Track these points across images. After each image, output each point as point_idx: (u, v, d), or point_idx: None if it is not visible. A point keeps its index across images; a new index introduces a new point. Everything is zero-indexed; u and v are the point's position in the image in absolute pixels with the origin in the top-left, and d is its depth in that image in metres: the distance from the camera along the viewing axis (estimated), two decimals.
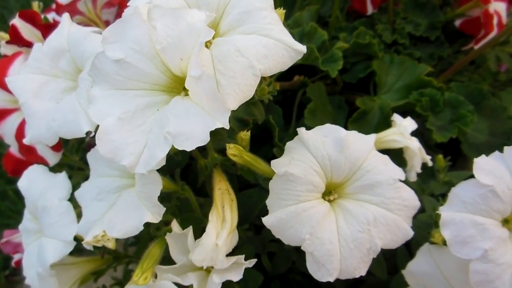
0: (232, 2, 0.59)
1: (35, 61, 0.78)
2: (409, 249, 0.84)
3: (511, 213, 0.62)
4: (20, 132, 0.84)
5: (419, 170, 0.81)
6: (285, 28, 1.05)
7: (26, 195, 0.79)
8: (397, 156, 0.86)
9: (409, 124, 0.81)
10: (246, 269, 0.67)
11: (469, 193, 0.61)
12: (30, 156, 0.85)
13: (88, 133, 0.69)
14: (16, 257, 0.95)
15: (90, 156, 0.75)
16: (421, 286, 0.68)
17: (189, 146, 0.50)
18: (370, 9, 1.24)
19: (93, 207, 0.70)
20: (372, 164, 0.66)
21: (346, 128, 1.06)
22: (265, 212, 0.64)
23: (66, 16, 0.79)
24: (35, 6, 1.30)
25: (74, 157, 1.00)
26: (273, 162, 0.65)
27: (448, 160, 0.92)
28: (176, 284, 0.67)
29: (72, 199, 0.76)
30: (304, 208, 0.63)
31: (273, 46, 0.55)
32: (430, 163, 0.84)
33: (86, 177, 0.77)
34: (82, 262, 0.84)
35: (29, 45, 0.91)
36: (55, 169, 0.91)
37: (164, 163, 0.54)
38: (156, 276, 0.69)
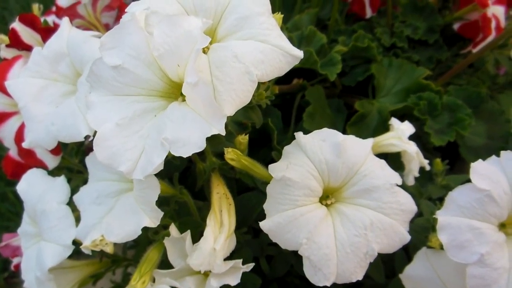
0: (230, 8, 0.60)
1: (34, 65, 0.78)
2: (407, 253, 0.84)
3: (508, 218, 0.63)
4: (19, 136, 0.85)
5: (417, 174, 0.81)
6: (284, 31, 1.07)
7: (25, 199, 0.80)
8: (395, 160, 0.86)
9: (407, 128, 0.81)
10: (244, 273, 0.67)
11: (466, 197, 0.61)
12: (29, 159, 0.85)
13: (87, 137, 0.70)
14: (15, 260, 0.95)
15: (89, 160, 0.75)
16: None
17: (185, 152, 0.51)
18: (369, 13, 1.25)
19: (92, 211, 0.70)
20: (369, 168, 0.66)
21: (344, 131, 1.08)
22: (264, 215, 0.65)
23: (65, 20, 0.79)
24: (35, 8, 1.31)
25: (74, 160, 1.01)
26: (270, 166, 0.66)
27: (447, 164, 0.92)
28: None
29: (71, 203, 0.76)
30: (302, 212, 0.63)
31: (270, 51, 0.56)
32: (427, 167, 0.84)
33: (85, 180, 0.78)
34: (81, 266, 0.84)
35: (29, 48, 0.91)
36: (54, 172, 0.91)
37: (162, 168, 0.54)
38: (154, 280, 0.69)
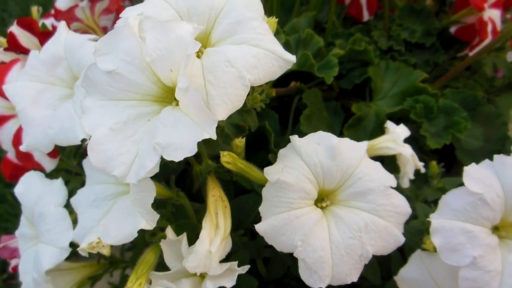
0: (223, 13, 0.60)
1: (32, 69, 0.78)
2: (403, 255, 0.84)
3: (501, 221, 0.63)
4: (17, 139, 0.85)
5: (412, 177, 0.82)
6: (282, 34, 1.08)
7: (23, 201, 0.80)
8: (391, 162, 0.87)
9: (402, 131, 0.82)
10: (240, 275, 0.67)
11: (459, 200, 0.61)
12: (27, 162, 0.86)
13: (84, 140, 0.70)
14: (13, 262, 0.96)
15: (86, 163, 0.76)
16: None
17: (177, 156, 0.51)
18: (366, 16, 1.25)
19: (89, 213, 0.71)
20: (364, 171, 0.67)
21: (341, 133, 1.08)
22: (261, 217, 0.65)
23: (63, 24, 0.80)
24: (34, 11, 1.31)
25: (72, 162, 1.01)
26: (266, 169, 0.66)
27: (443, 166, 0.92)
28: None
29: (68, 205, 0.77)
30: (297, 215, 0.63)
31: (263, 56, 0.56)
32: (423, 170, 0.85)
33: (83, 182, 0.78)
34: (78, 268, 0.85)
35: (26, 52, 0.92)
36: (52, 174, 0.92)
37: (156, 171, 0.55)
38: (150, 283, 0.69)
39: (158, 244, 0.71)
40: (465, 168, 0.63)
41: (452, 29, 1.23)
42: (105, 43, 0.55)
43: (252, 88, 0.68)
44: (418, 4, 1.28)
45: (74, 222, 0.74)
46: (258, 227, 0.64)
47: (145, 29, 0.55)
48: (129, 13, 0.59)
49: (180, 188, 0.79)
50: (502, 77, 1.33)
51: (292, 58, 0.58)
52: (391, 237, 0.64)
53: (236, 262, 0.67)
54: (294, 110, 1.14)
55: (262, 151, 1.06)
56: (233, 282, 0.66)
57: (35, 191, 0.78)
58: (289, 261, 0.89)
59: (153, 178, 0.63)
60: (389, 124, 0.85)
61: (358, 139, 1.06)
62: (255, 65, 0.56)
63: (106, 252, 0.67)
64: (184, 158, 0.52)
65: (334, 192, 0.67)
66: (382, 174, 0.67)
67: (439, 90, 1.11)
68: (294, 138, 0.67)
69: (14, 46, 0.92)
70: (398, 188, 0.68)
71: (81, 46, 0.75)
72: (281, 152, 0.68)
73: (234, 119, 0.83)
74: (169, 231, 0.70)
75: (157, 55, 0.54)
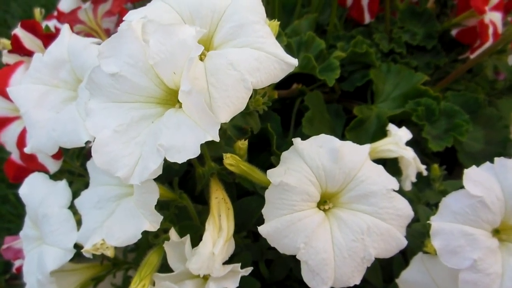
0: (226, 16, 0.61)
1: (35, 71, 0.79)
2: (405, 257, 0.85)
3: (501, 223, 0.64)
4: (21, 140, 0.86)
5: (414, 180, 0.82)
6: (283, 37, 1.08)
7: (27, 203, 0.81)
8: (393, 165, 0.87)
9: (404, 134, 0.82)
10: (243, 277, 0.68)
11: (459, 203, 0.62)
12: (31, 163, 0.86)
13: (87, 142, 0.71)
14: (16, 263, 0.96)
15: (90, 164, 0.76)
16: None
17: (180, 158, 0.51)
18: (367, 18, 1.25)
19: (93, 215, 0.71)
20: (366, 174, 0.67)
21: (343, 136, 1.09)
22: (263, 219, 0.65)
23: (66, 27, 0.80)
24: (37, 12, 1.32)
25: (75, 163, 1.02)
26: (269, 172, 0.67)
27: (445, 168, 0.93)
28: None
29: (72, 206, 0.77)
30: (299, 217, 0.64)
31: (265, 59, 0.57)
32: (425, 173, 0.85)
33: (87, 184, 0.79)
34: (82, 269, 0.85)
35: (30, 54, 0.92)
36: (56, 175, 0.92)
37: (160, 173, 0.55)
38: (154, 284, 0.70)
39: (161, 246, 0.72)
40: (465, 170, 0.63)
41: (453, 32, 1.23)
42: (108, 46, 0.56)
43: (255, 90, 0.69)
44: (420, 7, 1.28)
45: (78, 223, 0.74)
46: (261, 229, 0.64)
47: (148, 32, 0.56)
48: (132, 16, 0.59)
49: (183, 190, 0.80)
50: (503, 79, 1.33)
51: (294, 61, 0.58)
52: (393, 240, 0.65)
53: (239, 264, 0.67)
54: (296, 112, 1.15)
55: (264, 153, 1.06)
56: (236, 284, 0.66)
57: (39, 192, 0.79)
58: (292, 263, 0.90)
59: (156, 179, 0.63)
60: (391, 127, 0.85)
61: (359, 141, 1.06)
62: (257, 68, 0.56)
63: (110, 253, 0.67)
64: (187, 160, 0.52)
65: (337, 194, 0.68)
66: (384, 177, 0.68)
67: (440, 92, 1.12)
68: (297, 141, 0.68)
69: (18, 48, 0.92)
70: (400, 191, 0.69)
71: (85, 49, 0.76)
72: (284, 154, 0.68)
73: (237, 121, 0.83)
74: (173, 233, 0.70)
75: (160, 58, 0.54)
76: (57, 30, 1.07)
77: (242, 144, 0.74)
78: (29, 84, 0.79)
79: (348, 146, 0.68)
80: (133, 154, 0.55)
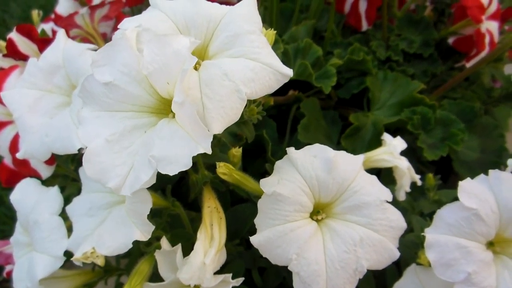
0: (221, 26, 0.60)
1: (30, 76, 0.79)
2: (398, 268, 0.84)
3: (496, 236, 0.63)
4: (14, 145, 0.85)
5: (408, 190, 0.82)
6: (281, 43, 1.08)
7: (18, 209, 0.80)
8: (388, 174, 0.87)
9: (399, 143, 0.82)
10: (235, 286, 0.67)
11: (454, 215, 0.61)
12: (23, 168, 0.86)
13: (80, 149, 0.70)
14: (7, 268, 0.96)
15: (82, 171, 0.76)
16: None
17: (171, 170, 0.51)
18: (365, 26, 1.26)
19: (84, 222, 0.71)
20: (360, 184, 0.66)
21: (339, 143, 1.08)
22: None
23: (61, 32, 0.80)
24: (35, 14, 1.32)
25: (69, 167, 1.01)
26: (262, 181, 0.66)
27: (441, 177, 0.92)
28: None
29: (63, 212, 0.76)
30: (292, 228, 0.63)
31: (260, 69, 0.56)
32: (419, 183, 0.85)
33: (80, 189, 0.78)
34: (73, 275, 0.85)
35: (25, 58, 0.92)
36: (49, 179, 0.92)
37: (153, 182, 0.55)
38: None
39: (152, 254, 0.71)
40: (460, 183, 0.63)
41: (450, 40, 1.24)
42: (102, 55, 0.55)
43: (249, 100, 0.68)
44: (417, 15, 1.28)
45: (69, 229, 0.74)
46: (253, 240, 0.64)
47: (142, 41, 0.55)
48: (127, 25, 0.59)
49: (177, 196, 0.79)
50: (500, 87, 1.33)
51: (289, 72, 0.58)
52: (386, 252, 0.64)
53: (230, 275, 0.67)
54: (292, 119, 1.14)
55: (259, 159, 1.06)
56: None
57: (30, 199, 0.78)
58: (285, 271, 0.89)
59: (148, 187, 0.62)
60: (386, 136, 0.85)
61: (355, 149, 1.07)
62: (252, 78, 0.56)
63: (100, 262, 0.66)
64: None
65: (330, 205, 0.67)
66: (378, 188, 0.67)
67: (437, 100, 1.12)
68: (291, 150, 0.67)
69: (13, 52, 0.92)
70: (395, 200, 0.69)
71: (80, 55, 0.76)
72: (277, 164, 0.68)
73: (232, 128, 0.83)
74: (164, 242, 0.70)
75: (154, 68, 0.54)
76: (54, 33, 1.07)
77: (236, 151, 0.74)
78: (23, 89, 0.79)
79: (342, 156, 0.68)
80: (125, 164, 0.54)
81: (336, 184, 0.66)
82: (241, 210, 0.90)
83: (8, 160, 0.92)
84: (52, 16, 1.28)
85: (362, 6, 1.25)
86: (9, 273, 0.95)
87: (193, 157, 0.52)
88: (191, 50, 0.52)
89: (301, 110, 1.07)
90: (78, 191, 0.78)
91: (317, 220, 0.67)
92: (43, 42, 0.90)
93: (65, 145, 0.71)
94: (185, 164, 0.51)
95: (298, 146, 0.69)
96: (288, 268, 0.63)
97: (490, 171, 0.64)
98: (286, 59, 1.09)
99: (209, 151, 0.50)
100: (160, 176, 0.55)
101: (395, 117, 1.09)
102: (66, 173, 1.00)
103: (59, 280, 0.82)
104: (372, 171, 0.79)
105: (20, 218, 0.81)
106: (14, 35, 0.92)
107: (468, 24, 1.17)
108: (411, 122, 1.03)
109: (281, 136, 1.12)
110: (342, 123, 1.16)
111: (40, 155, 0.74)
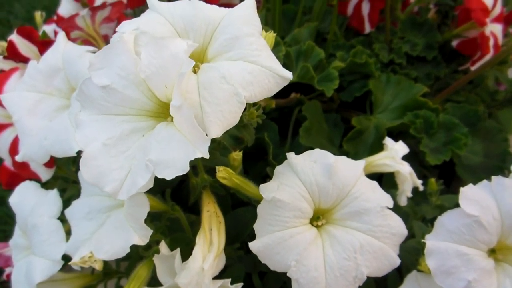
0: (220, 28, 0.60)
1: (30, 79, 0.78)
2: (400, 274, 0.83)
3: (498, 243, 0.62)
4: (13, 148, 0.85)
5: (410, 195, 0.81)
6: (283, 46, 1.07)
7: (17, 212, 0.80)
8: (389, 179, 0.86)
9: (401, 148, 0.81)
10: None
11: (455, 222, 0.60)
12: (23, 171, 0.86)
13: (79, 152, 0.70)
14: (7, 270, 0.96)
15: (81, 174, 0.75)
16: None
17: (168, 175, 0.50)
18: (367, 28, 1.25)
19: (82, 226, 0.70)
20: (361, 190, 0.66)
21: (341, 146, 1.08)
22: None
23: (61, 34, 0.80)
24: (38, 15, 1.32)
25: (70, 169, 1.01)
26: (261, 186, 0.65)
27: (443, 182, 0.91)
28: None
29: (62, 215, 0.76)
30: (291, 234, 0.63)
31: (259, 72, 0.55)
32: (421, 188, 0.84)
33: (80, 191, 0.78)
34: (72, 278, 0.84)
35: (26, 61, 0.92)
36: (49, 182, 0.92)
37: (150, 186, 0.54)
38: None
39: (151, 259, 0.71)
40: (461, 189, 0.62)
41: (454, 43, 1.22)
42: (100, 58, 0.55)
43: (249, 103, 0.68)
44: (420, 17, 1.27)
45: (67, 233, 0.73)
46: (252, 245, 0.63)
47: (140, 44, 0.55)
48: (125, 28, 0.58)
49: (177, 198, 0.79)
50: (504, 90, 1.32)
51: (289, 75, 0.57)
52: (386, 259, 0.63)
53: (229, 280, 0.66)
54: (294, 122, 1.14)
55: (261, 162, 1.05)
56: None
57: (29, 202, 0.78)
58: (285, 276, 0.88)
59: (148, 190, 0.62)
60: (388, 141, 0.84)
61: (358, 152, 1.06)
62: (251, 81, 0.55)
63: (98, 267, 0.66)
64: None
65: (330, 211, 0.67)
66: (379, 194, 0.67)
67: (440, 103, 1.11)
68: (291, 155, 0.66)
69: (14, 54, 0.92)
70: (396, 205, 0.68)
71: (79, 58, 0.75)
72: (277, 169, 0.67)
73: (232, 131, 0.82)
74: (163, 246, 0.69)
75: (151, 71, 0.53)
76: (57, 35, 1.07)
77: (237, 155, 0.73)
78: (23, 92, 0.79)
79: (343, 162, 0.67)
80: (122, 168, 0.54)
81: (337, 189, 0.65)
82: (241, 214, 0.90)
83: (8, 163, 0.92)
84: (55, 17, 1.28)
85: (365, 9, 1.24)
86: (9, 276, 0.95)
87: (193, 160, 0.51)
88: (188, 53, 0.51)
89: (303, 113, 1.07)
90: (78, 194, 0.78)
91: (317, 226, 0.66)
92: (43, 44, 0.90)
93: (64, 148, 0.70)
94: (182, 169, 0.50)
95: (300, 149, 0.68)
96: (287, 274, 0.62)
97: (493, 178, 0.63)
98: (288, 62, 1.09)
99: (207, 156, 0.49)
100: (160, 180, 0.55)
101: (397, 120, 1.08)
102: (66, 175, 1.00)
103: (58, 283, 0.81)
104: (374, 175, 0.79)
105: (19, 221, 0.80)
106: (14, 37, 0.92)
107: (472, 27, 1.16)
108: (414, 126, 1.02)
109: (283, 138, 1.12)
110: (344, 126, 1.15)
111: (39, 158, 0.74)
